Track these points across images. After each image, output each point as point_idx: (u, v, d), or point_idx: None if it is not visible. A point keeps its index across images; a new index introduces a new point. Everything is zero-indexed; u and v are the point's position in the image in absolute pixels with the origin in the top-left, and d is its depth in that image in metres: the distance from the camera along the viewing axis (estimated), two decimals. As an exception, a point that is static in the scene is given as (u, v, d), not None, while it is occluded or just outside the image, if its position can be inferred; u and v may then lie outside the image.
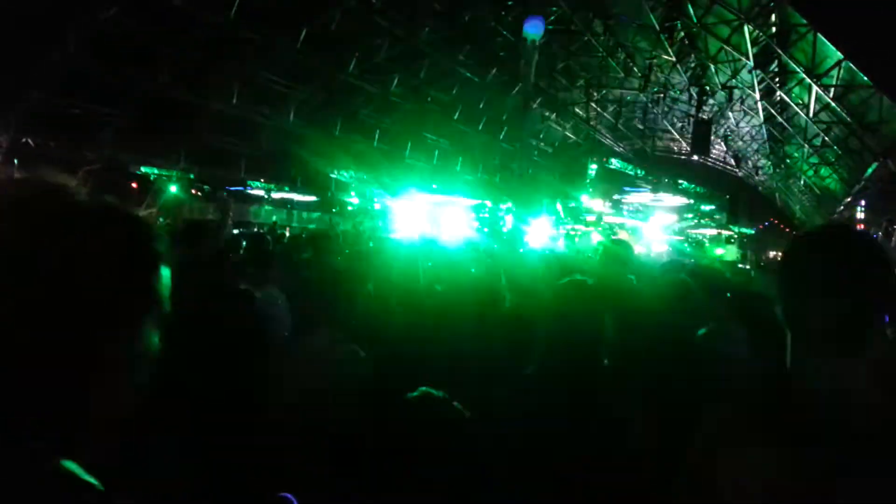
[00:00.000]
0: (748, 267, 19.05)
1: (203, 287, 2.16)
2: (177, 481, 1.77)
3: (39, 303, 0.72)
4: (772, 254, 30.57)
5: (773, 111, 21.83)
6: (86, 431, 0.76)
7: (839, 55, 16.11)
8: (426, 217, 19.15)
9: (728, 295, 3.63)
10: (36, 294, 0.72)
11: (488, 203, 22.97)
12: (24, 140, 14.49)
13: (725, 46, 18.93)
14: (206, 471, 1.81)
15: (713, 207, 32.89)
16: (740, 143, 29.03)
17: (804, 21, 16.11)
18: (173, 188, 17.21)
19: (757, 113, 22.87)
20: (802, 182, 28.02)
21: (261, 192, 21.30)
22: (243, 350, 2.01)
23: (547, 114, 28.08)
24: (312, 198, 22.93)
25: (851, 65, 16.11)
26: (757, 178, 32.92)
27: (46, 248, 0.74)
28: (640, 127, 30.44)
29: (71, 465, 0.72)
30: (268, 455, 2.01)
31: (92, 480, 0.72)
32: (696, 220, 31.87)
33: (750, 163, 30.93)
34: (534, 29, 8.11)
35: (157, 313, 0.83)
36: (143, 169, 18.35)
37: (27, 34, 12.44)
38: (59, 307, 0.73)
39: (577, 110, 28.16)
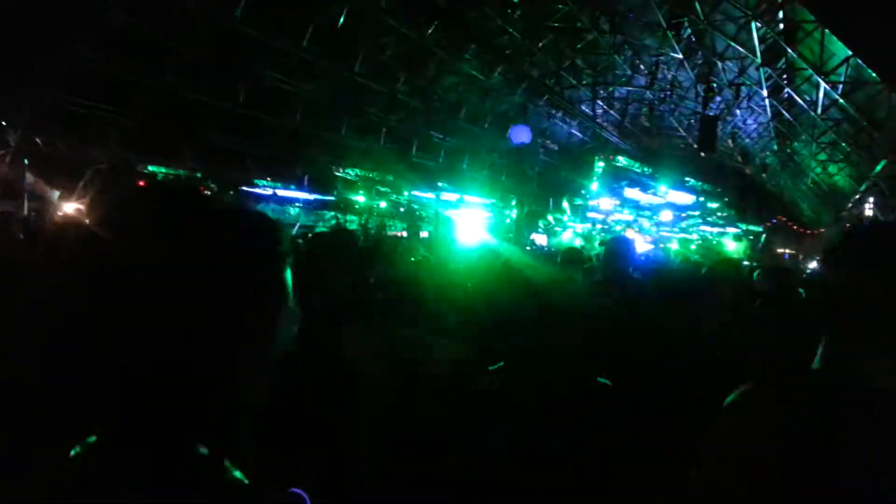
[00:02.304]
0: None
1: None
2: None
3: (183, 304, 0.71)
4: (779, 250, 30.47)
5: (780, 108, 21.75)
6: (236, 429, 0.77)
7: (847, 52, 16.02)
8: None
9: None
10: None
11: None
12: (32, 139, 14.55)
13: (732, 43, 18.85)
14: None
15: (720, 205, 32.83)
16: (748, 140, 28.91)
17: (812, 18, 16.04)
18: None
19: (764, 110, 22.78)
20: (810, 179, 27.90)
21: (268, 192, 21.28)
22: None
23: (553, 111, 28.05)
24: (322, 196, 22.90)
25: (860, 61, 16.03)
26: (764, 175, 32.79)
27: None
28: (647, 124, 30.35)
29: (234, 469, 0.72)
30: (278, 452, 2.01)
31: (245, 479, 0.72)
32: (703, 218, 31.82)
33: (757, 160, 30.80)
34: (520, 137, 8.09)
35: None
36: (150, 168, 18.41)
37: (34, 34, 12.50)
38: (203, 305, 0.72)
39: (583, 108, 28.10)
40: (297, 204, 22.33)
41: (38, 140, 14.50)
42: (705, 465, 1.24)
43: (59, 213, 12.18)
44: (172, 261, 0.70)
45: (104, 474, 0.66)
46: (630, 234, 25.23)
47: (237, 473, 0.72)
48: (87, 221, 0.72)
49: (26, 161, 13.31)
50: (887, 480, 1.06)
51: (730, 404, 1.26)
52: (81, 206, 14.73)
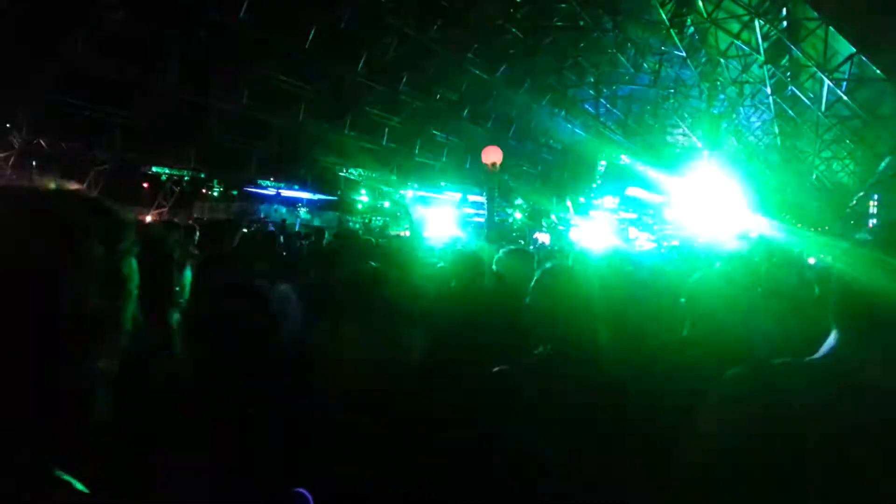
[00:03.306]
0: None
1: (219, 284, 2.18)
2: (191, 482, 1.77)
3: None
4: (783, 249, 30.30)
5: (784, 106, 21.69)
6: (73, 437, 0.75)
7: (851, 49, 15.98)
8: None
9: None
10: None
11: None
12: (35, 141, 14.60)
13: (736, 41, 18.82)
14: (219, 470, 1.82)
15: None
16: (751, 138, 28.84)
17: (815, 15, 15.99)
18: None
19: (768, 107, 22.73)
20: (814, 176, 27.83)
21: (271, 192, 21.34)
22: (258, 346, 2.03)
23: (556, 110, 28.01)
24: (324, 196, 22.96)
25: (864, 58, 15.98)
26: (768, 172, 32.69)
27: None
28: (651, 123, 30.31)
29: (63, 475, 0.70)
30: (281, 450, 2.02)
31: (80, 486, 0.70)
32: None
33: (761, 157, 30.71)
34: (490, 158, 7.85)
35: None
36: (153, 169, 18.47)
37: (37, 35, 12.51)
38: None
39: (586, 106, 28.06)
40: (300, 204, 22.41)
41: (42, 141, 14.55)
42: (690, 451, 1.23)
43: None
44: None
45: None
46: (633, 231, 25.18)
47: (67, 478, 0.70)
48: None
49: (34, 163, 13.36)
50: (878, 476, 1.06)
51: (716, 389, 1.25)
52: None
